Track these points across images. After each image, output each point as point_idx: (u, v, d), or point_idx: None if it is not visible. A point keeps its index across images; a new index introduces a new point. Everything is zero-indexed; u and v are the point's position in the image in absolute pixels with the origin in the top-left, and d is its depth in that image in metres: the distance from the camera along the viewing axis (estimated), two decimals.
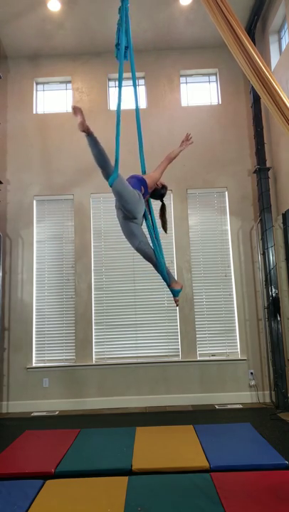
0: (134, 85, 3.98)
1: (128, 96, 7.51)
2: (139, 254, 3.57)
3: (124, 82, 7.97)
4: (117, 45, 3.73)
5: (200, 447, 4.22)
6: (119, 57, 3.62)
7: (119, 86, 3.63)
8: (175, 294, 3.74)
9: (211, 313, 6.82)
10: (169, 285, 3.71)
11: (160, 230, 3.76)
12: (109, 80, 7.55)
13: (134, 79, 3.97)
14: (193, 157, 7.12)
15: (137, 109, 3.97)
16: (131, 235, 3.46)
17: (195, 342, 6.67)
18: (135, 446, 4.31)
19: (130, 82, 7.84)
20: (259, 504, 3.04)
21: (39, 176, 7.16)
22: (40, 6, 6.41)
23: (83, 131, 3.10)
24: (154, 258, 3.54)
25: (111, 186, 3.27)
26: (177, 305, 3.81)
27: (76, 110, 3.16)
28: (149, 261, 3.56)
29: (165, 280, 3.67)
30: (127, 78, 7.71)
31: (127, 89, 7.57)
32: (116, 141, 3.45)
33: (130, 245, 3.54)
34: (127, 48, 3.81)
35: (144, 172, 3.93)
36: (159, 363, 6.62)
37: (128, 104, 7.40)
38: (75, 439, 4.67)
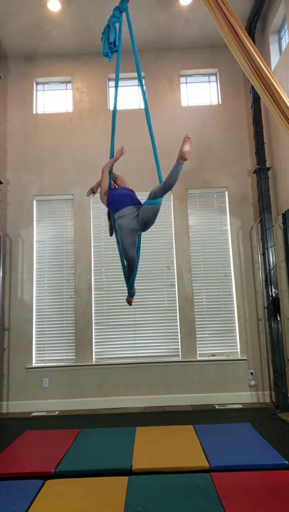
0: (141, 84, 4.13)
1: (128, 96, 7.54)
2: (131, 259, 3.76)
3: (124, 82, 8.03)
4: (111, 43, 3.85)
5: (200, 447, 4.22)
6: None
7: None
8: (132, 295, 4.10)
9: (211, 313, 6.82)
10: (130, 289, 4.05)
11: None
12: (109, 80, 7.55)
13: (140, 81, 4.14)
14: (193, 157, 7.10)
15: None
16: (133, 244, 3.67)
17: (195, 342, 6.67)
18: (135, 446, 4.31)
19: (129, 83, 7.88)
20: (259, 504, 3.04)
21: (39, 176, 7.16)
22: (40, 5, 6.41)
23: (185, 160, 3.26)
24: (135, 268, 3.86)
25: (156, 204, 3.48)
26: (130, 304, 4.18)
27: (188, 141, 3.25)
28: (130, 269, 3.84)
29: (130, 286, 4.02)
30: (127, 78, 7.73)
31: (127, 90, 7.59)
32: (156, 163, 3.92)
33: (127, 257, 3.74)
34: (116, 46, 3.94)
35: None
36: (159, 363, 6.62)
37: (128, 104, 7.43)
38: (75, 439, 4.67)
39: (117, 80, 4.05)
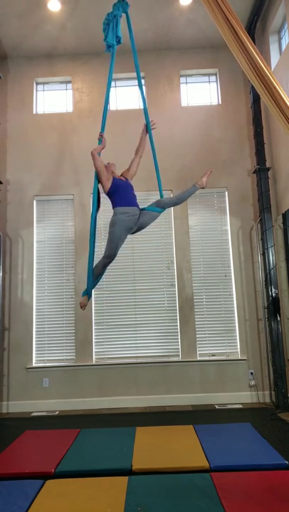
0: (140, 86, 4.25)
1: (128, 96, 7.54)
2: (113, 257, 3.81)
3: (124, 82, 8.04)
4: (118, 37, 4.07)
5: (200, 447, 4.22)
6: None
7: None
8: (90, 296, 4.07)
9: (211, 313, 6.82)
10: (92, 289, 4.01)
11: None
12: None
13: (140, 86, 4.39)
14: (193, 157, 7.13)
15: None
16: (122, 242, 3.82)
17: (195, 342, 6.67)
18: (135, 446, 4.31)
19: (130, 83, 7.87)
20: (259, 504, 3.04)
21: (39, 176, 7.16)
22: (41, 6, 6.41)
23: (204, 187, 4.03)
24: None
25: (160, 212, 3.85)
26: (84, 308, 4.05)
27: (209, 174, 4.12)
28: (104, 266, 3.86)
29: (93, 286, 3.94)
30: (127, 78, 7.72)
31: (128, 90, 7.59)
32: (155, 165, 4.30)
33: (110, 254, 3.80)
34: (118, 42, 4.08)
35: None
36: (158, 363, 6.61)
37: (128, 104, 7.43)
38: (75, 439, 4.66)
39: (111, 69, 4.23)
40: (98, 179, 3.91)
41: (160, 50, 7.43)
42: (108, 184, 3.85)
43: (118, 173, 4.16)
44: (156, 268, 6.94)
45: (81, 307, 3.91)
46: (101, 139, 4.06)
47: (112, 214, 3.89)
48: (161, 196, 4.19)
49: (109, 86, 4.24)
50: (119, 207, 3.77)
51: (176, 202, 3.95)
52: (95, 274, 3.85)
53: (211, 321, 6.79)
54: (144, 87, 7.50)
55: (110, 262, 3.82)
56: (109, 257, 3.78)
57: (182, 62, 7.50)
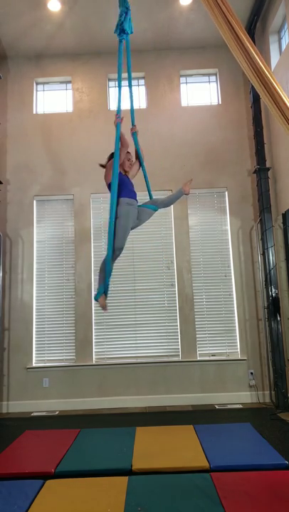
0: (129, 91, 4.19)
1: (127, 96, 7.53)
2: (121, 249, 3.73)
3: (124, 82, 8.03)
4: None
5: (200, 447, 4.21)
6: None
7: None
8: (107, 293, 3.82)
9: (211, 313, 6.82)
10: (108, 289, 3.78)
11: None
12: (109, 80, 7.55)
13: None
14: (193, 157, 7.13)
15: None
16: (127, 234, 3.83)
17: (195, 342, 6.67)
18: (135, 446, 4.31)
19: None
20: (259, 504, 3.04)
21: (39, 176, 7.16)
22: (40, 6, 6.41)
23: (187, 193, 4.13)
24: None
25: (156, 210, 4.10)
26: (106, 309, 3.87)
27: (190, 183, 4.17)
28: (113, 261, 3.75)
29: (107, 285, 3.71)
30: (127, 78, 7.69)
31: (127, 90, 7.58)
32: (144, 173, 4.27)
33: (119, 246, 3.72)
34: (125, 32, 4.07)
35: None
36: (159, 362, 6.61)
37: (127, 104, 7.42)
38: (75, 439, 4.67)
39: (120, 56, 4.26)
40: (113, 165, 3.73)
41: (160, 50, 7.43)
42: (109, 171, 3.87)
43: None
44: (156, 268, 6.94)
45: (103, 309, 3.75)
46: (119, 121, 3.78)
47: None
48: (151, 197, 4.29)
49: (120, 67, 4.23)
50: (124, 197, 3.78)
51: (167, 203, 4.24)
52: (108, 272, 3.67)
53: (211, 321, 6.79)
54: (144, 87, 7.51)
55: (119, 254, 3.71)
56: (119, 249, 3.68)
57: (182, 62, 7.50)
